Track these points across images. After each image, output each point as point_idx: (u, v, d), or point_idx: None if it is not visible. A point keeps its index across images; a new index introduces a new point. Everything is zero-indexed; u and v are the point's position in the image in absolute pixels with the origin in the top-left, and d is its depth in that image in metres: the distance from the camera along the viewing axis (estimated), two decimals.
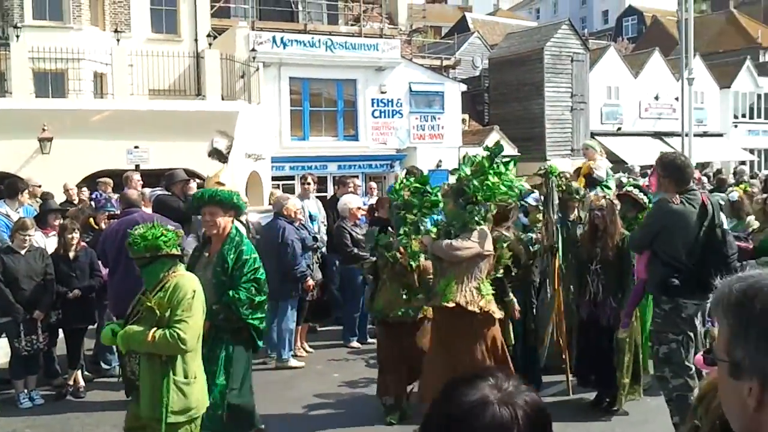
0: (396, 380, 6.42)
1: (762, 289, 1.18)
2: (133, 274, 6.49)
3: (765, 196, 8.16)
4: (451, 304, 5.59)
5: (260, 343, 5.34)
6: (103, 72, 19.36)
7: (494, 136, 27.19)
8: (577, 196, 7.57)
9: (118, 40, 19.63)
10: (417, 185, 6.35)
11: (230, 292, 4.95)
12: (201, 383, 4.40)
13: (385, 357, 6.56)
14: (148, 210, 7.61)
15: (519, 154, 27.37)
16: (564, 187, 7.39)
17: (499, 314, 5.83)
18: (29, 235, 7.20)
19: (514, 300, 6.54)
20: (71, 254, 7.43)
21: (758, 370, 1.16)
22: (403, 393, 6.49)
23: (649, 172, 14.21)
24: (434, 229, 6.01)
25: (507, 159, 5.99)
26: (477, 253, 5.66)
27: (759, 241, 7.55)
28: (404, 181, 6.56)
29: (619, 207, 6.87)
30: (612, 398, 6.55)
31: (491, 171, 5.78)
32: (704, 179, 15.00)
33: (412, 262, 6.33)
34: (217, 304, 4.93)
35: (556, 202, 7.11)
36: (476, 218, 5.73)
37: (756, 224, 8.07)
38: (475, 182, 5.74)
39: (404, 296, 6.31)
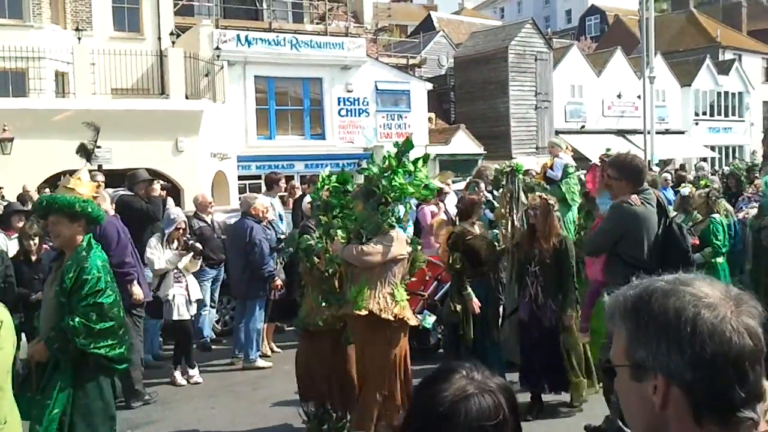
0: (314, 389, 5.97)
1: (656, 291, 1.25)
2: None
3: (707, 189, 8.40)
4: (364, 312, 5.28)
5: (123, 367, 4.55)
6: (64, 71, 19.05)
7: (460, 135, 27.41)
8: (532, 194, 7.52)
9: (79, 39, 19.31)
10: (337, 185, 5.94)
11: (66, 319, 4.21)
12: (11, 428, 3.72)
13: (300, 364, 6.13)
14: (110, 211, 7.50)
15: (485, 152, 27.64)
16: (523, 185, 7.46)
17: (413, 321, 5.59)
18: None
19: (472, 293, 6.55)
20: (33, 257, 7.32)
21: (662, 367, 1.21)
22: (325, 402, 5.90)
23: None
24: (341, 233, 5.60)
25: (418, 156, 5.65)
26: (390, 257, 5.36)
27: (700, 231, 7.79)
28: (325, 180, 6.12)
29: (556, 206, 6.61)
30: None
31: (400, 170, 5.45)
32: (668, 176, 15.22)
33: (329, 268, 5.83)
34: (53, 330, 4.26)
35: (523, 200, 7.09)
36: (389, 220, 5.40)
37: (699, 218, 8.34)
38: (384, 182, 5.41)
39: (323, 304, 5.83)
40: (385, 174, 5.46)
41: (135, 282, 6.86)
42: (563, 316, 6.14)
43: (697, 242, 7.72)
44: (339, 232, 5.64)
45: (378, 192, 5.43)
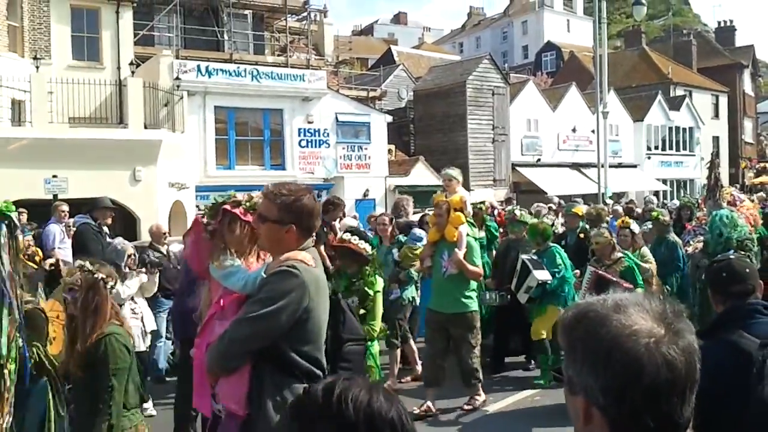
0: None
1: (587, 315, 1.30)
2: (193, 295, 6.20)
3: (626, 227, 8.57)
4: None
5: None
6: (21, 99, 18.89)
7: (419, 167, 27.72)
8: None
9: (37, 67, 19.22)
10: None
11: None
12: None
13: None
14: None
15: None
16: None
17: None
18: None
19: None
20: None
21: (582, 387, 1.28)
22: None
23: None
24: None
25: None
26: None
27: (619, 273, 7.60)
28: None
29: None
30: None
31: None
32: (619, 209, 15.56)
33: None
34: None
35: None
36: None
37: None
38: None
39: None
40: None
41: None
42: None
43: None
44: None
45: None
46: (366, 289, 6.00)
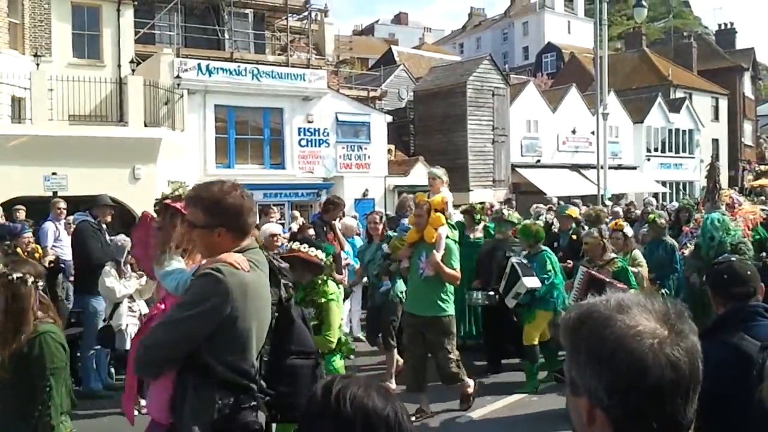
0: None
1: (591, 315, 1.30)
2: None
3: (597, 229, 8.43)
4: None
5: None
6: (21, 96, 18.88)
7: (419, 167, 27.72)
8: None
9: (37, 65, 19.20)
10: None
11: None
12: None
13: None
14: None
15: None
16: None
17: None
18: None
19: None
20: None
21: (586, 388, 1.28)
22: None
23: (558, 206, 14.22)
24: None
25: None
26: None
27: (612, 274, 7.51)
28: None
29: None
30: None
31: None
32: (619, 210, 15.55)
33: None
34: None
35: None
36: None
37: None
38: None
39: None
40: None
41: None
42: None
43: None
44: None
45: None
46: (319, 298, 5.49)
